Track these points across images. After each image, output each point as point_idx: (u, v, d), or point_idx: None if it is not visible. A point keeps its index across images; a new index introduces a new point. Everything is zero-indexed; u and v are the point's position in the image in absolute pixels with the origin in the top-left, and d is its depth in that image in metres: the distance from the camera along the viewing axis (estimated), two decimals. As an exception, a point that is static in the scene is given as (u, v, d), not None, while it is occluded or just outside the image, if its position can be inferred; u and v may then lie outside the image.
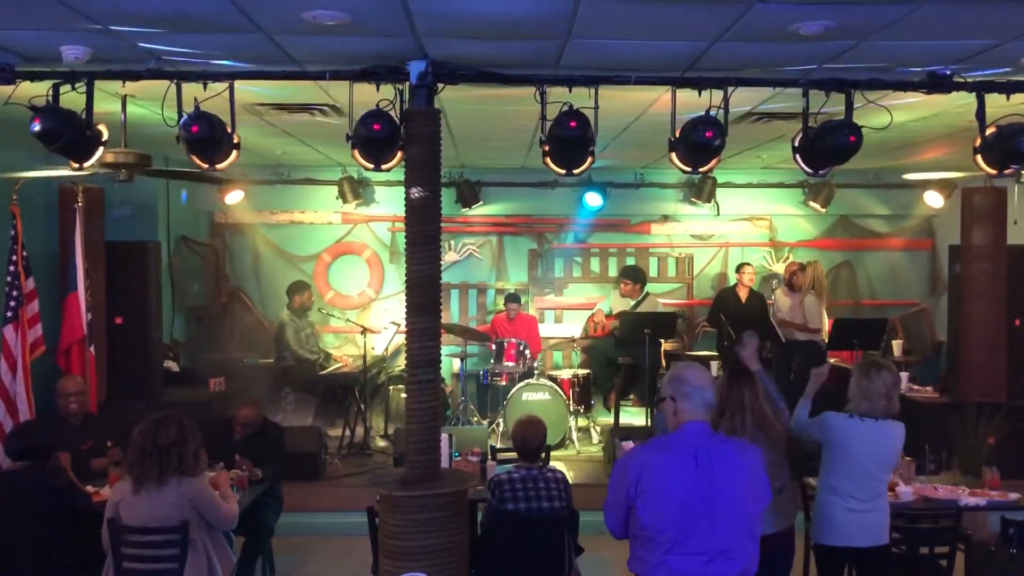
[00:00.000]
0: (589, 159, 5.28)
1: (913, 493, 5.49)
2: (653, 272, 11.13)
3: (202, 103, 5.02)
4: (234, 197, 10.21)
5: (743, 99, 5.83)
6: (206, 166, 5.17)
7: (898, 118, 6.30)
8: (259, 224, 10.94)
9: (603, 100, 5.14)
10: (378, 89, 5.18)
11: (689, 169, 5.27)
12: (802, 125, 5.29)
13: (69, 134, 4.94)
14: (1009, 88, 5.15)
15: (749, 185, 10.93)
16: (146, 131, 6.55)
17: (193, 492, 4.51)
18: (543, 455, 5.47)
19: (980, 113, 5.20)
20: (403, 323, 5.33)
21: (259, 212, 10.86)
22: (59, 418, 6.10)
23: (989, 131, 5.17)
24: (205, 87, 5.04)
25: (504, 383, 9.17)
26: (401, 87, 5.21)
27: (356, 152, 5.18)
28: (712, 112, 5.05)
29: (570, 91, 5.09)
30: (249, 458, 5.80)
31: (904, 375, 7.97)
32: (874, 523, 4.59)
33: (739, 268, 10.10)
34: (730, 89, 5.13)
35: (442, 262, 5.35)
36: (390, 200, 10.86)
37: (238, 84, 5.15)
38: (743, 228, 11.24)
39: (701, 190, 10.52)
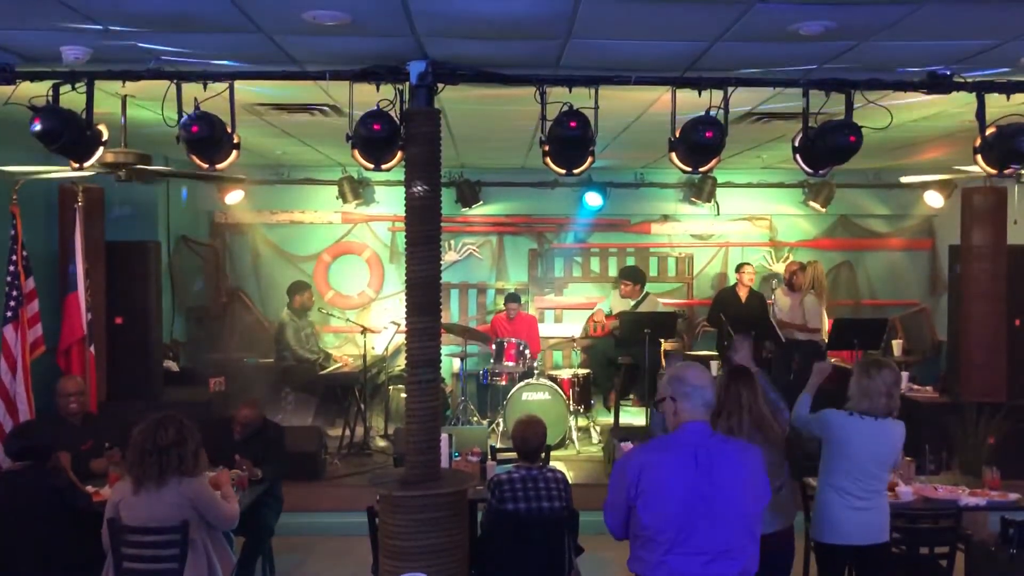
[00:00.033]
0: (589, 159, 5.28)
1: (913, 493, 5.48)
2: (653, 272, 11.13)
3: (202, 103, 5.02)
4: (234, 197, 10.22)
5: (743, 99, 5.83)
6: (206, 166, 5.17)
7: (898, 118, 6.30)
8: (259, 224, 10.94)
9: (603, 100, 5.14)
10: (378, 89, 5.18)
11: (689, 169, 5.27)
12: (802, 125, 5.29)
13: (69, 134, 4.94)
14: (1009, 88, 5.15)
15: (749, 185, 10.93)
16: (146, 131, 6.55)
17: (193, 492, 4.51)
18: (543, 455, 5.47)
19: (980, 113, 5.21)
20: (403, 323, 5.33)
21: (259, 212, 10.86)
22: (59, 418, 6.09)
23: (989, 131, 5.18)
24: (205, 87, 5.05)
25: (504, 383, 9.17)
26: (401, 87, 5.21)
27: (356, 152, 5.18)
28: (712, 112, 5.06)
29: (570, 91, 5.09)
30: (249, 458, 5.80)
31: (904, 375, 7.97)
32: (874, 521, 4.59)
33: (739, 268, 10.10)
34: (730, 89, 5.13)
35: (442, 262, 5.35)
36: (390, 200, 10.86)
37: (238, 84, 5.15)
38: (743, 228, 11.24)
39: (701, 190, 10.52)
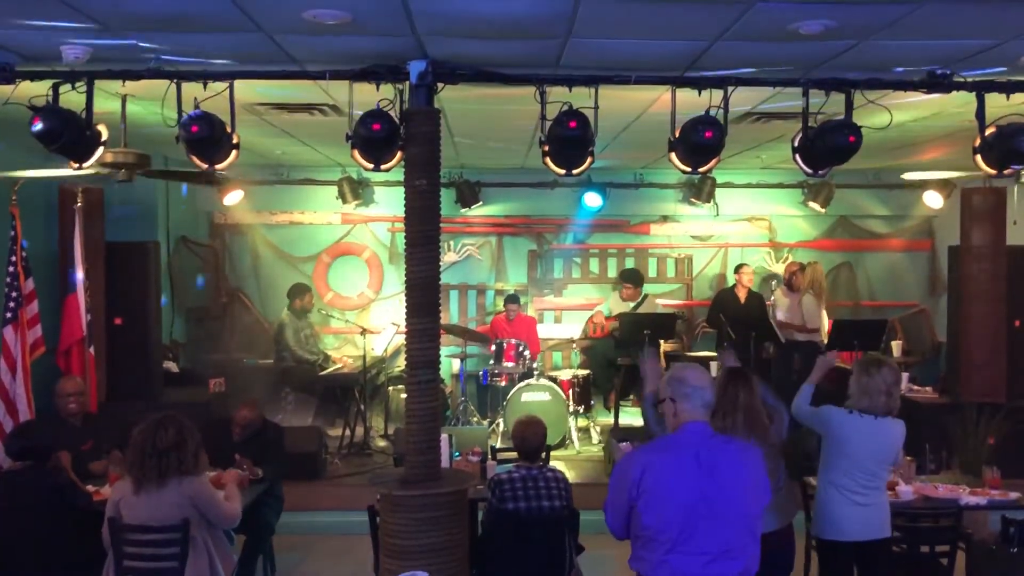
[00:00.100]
0: (589, 159, 5.28)
1: (913, 492, 5.49)
2: (652, 273, 11.14)
3: (202, 103, 5.02)
4: (234, 197, 10.20)
5: (743, 99, 5.83)
6: (206, 166, 5.17)
7: (898, 118, 6.30)
8: (259, 224, 10.94)
9: (603, 100, 5.14)
10: (378, 89, 5.18)
11: (689, 169, 5.27)
12: (802, 125, 5.30)
13: (69, 134, 4.94)
14: (1009, 88, 5.16)
15: (748, 185, 10.93)
16: (146, 131, 6.55)
17: (194, 491, 4.51)
18: (543, 455, 5.47)
19: (980, 113, 5.21)
20: (403, 324, 5.33)
21: (259, 212, 10.85)
22: (59, 418, 6.09)
23: (989, 131, 5.18)
24: (205, 87, 5.05)
25: (504, 383, 9.17)
26: (401, 87, 5.22)
27: (356, 152, 5.18)
28: (712, 112, 5.06)
29: (570, 91, 5.10)
30: (249, 458, 5.80)
31: (904, 375, 7.98)
32: (875, 517, 4.59)
33: (738, 269, 10.10)
34: (730, 89, 5.13)
35: (441, 263, 5.35)
36: (390, 200, 10.85)
37: (238, 84, 5.15)
38: (743, 228, 11.24)
39: (700, 190, 10.52)
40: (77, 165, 5.22)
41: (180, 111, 5.00)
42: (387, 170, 5.34)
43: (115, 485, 4.79)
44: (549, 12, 4.30)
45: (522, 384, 8.96)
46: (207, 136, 4.96)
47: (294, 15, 4.36)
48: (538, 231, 11.21)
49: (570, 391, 9.24)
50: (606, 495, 3.49)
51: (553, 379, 9.37)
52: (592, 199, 10.48)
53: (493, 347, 9.51)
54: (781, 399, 4.74)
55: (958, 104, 6.07)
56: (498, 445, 7.65)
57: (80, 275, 7.22)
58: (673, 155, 5.24)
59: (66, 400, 6.08)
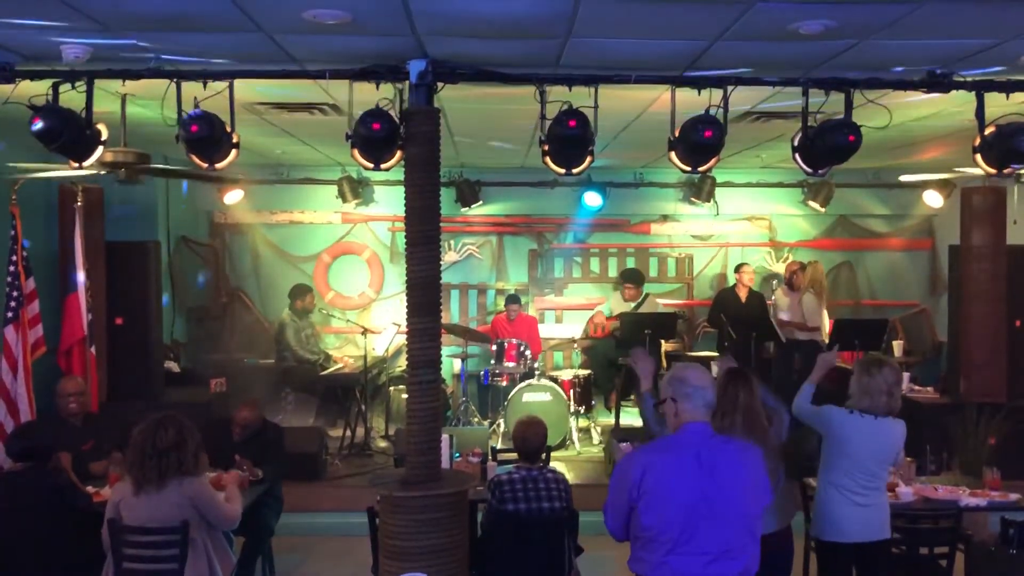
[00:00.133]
0: (588, 158, 5.28)
1: (913, 493, 5.48)
2: (653, 272, 11.14)
3: (202, 102, 5.03)
4: (233, 197, 10.21)
5: (743, 98, 5.83)
6: (205, 165, 5.17)
7: (898, 118, 6.30)
8: (259, 224, 10.94)
9: (603, 99, 5.14)
10: (378, 88, 5.18)
11: (689, 168, 5.28)
12: (802, 124, 5.29)
13: (69, 133, 4.94)
14: (1009, 88, 5.15)
15: (748, 185, 10.93)
16: (146, 130, 6.55)
17: (194, 491, 4.51)
18: (544, 456, 5.46)
19: (980, 112, 5.21)
20: (403, 324, 5.32)
21: (259, 212, 10.86)
22: (60, 419, 6.09)
23: (988, 130, 5.17)
24: (205, 86, 5.05)
25: (505, 384, 9.16)
26: (401, 86, 5.22)
27: (356, 151, 5.18)
28: (712, 111, 5.05)
29: (570, 90, 5.09)
30: (248, 459, 5.79)
31: (905, 375, 7.97)
32: (875, 518, 4.59)
33: (738, 268, 10.10)
34: (730, 88, 5.13)
35: (442, 262, 5.35)
36: (390, 200, 10.85)
37: (238, 83, 5.15)
38: (743, 228, 11.24)
39: (700, 190, 10.52)
40: (77, 164, 5.22)
41: (180, 111, 5.00)
42: (387, 169, 5.34)
43: (115, 486, 4.78)
44: (549, 12, 4.30)
45: (523, 384, 8.95)
46: (207, 135, 4.96)
47: (294, 15, 4.36)
48: (538, 230, 11.21)
49: (571, 391, 9.23)
50: (606, 497, 3.49)
51: (554, 379, 9.36)
52: (592, 198, 10.48)
53: (494, 347, 9.51)
54: (782, 399, 4.73)
55: (958, 104, 6.06)
56: (499, 446, 7.65)
57: (81, 275, 7.22)
58: (673, 154, 5.24)
59: (66, 400, 6.08)
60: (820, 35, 4.58)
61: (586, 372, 9.71)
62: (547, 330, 10.96)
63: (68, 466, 5.27)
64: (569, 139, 5.07)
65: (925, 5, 4.12)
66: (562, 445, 8.93)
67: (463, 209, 10.66)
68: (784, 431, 4.61)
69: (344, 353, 10.41)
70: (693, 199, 10.73)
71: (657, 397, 4.25)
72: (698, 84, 5.12)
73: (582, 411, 9.41)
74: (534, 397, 8.84)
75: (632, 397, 9.97)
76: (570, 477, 5.82)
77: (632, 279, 10.19)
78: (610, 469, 7.79)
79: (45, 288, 7.19)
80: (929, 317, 11.03)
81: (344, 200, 10.51)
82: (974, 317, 7.99)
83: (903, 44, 4.81)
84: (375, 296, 11.08)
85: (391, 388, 9.53)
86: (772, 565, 3.86)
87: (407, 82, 5.15)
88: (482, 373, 9.56)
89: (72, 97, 5.05)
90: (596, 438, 9.38)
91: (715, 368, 5.14)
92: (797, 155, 5.35)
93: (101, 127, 5.17)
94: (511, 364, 9.28)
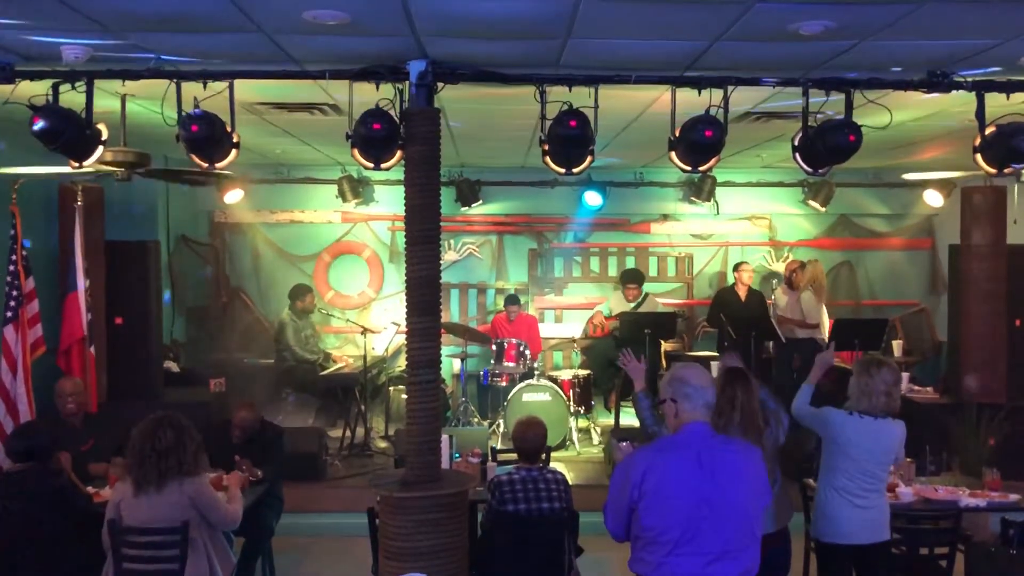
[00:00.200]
0: (588, 158, 5.28)
1: (913, 494, 5.48)
2: (653, 272, 11.14)
3: (202, 102, 5.02)
4: (234, 197, 10.21)
5: (743, 98, 5.83)
6: (206, 165, 5.17)
7: (898, 118, 6.29)
8: (259, 224, 10.94)
9: (603, 99, 5.14)
10: (378, 88, 5.18)
11: (689, 168, 5.27)
12: (802, 124, 5.29)
13: (69, 133, 4.94)
14: (1009, 88, 5.15)
15: (749, 184, 10.94)
16: (146, 130, 6.55)
17: (194, 491, 4.51)
18: (543, 456, 5.46)
19: (980, 112, 5.20)
20: (403, 323, 5.32)
21: (259, 212, 10.86)
22: (59, 419, 6.09)
23: (989, 130, 5.17)
24: (205, 86, 5.04)
25: (504, 384, 9.16)
26: (401, 86, 5.21)
27: (356, 151, 5.18)
28: (712, 111, 5.05)
29: (570, 90, 5.09)
30: (248, 459, 5.79)
31: (904, 375, 7.97)
32: (874, 520, 4.59)
33: (737, 267, 10.08)
34: (730, 88, 5.13)
35: (442, 262, 5.35)
36: (390, 199, 10.86)
37: (238, 83, 5.15)
38: (743, 227, 11.24)
39: (701, 189, 10.52)
40: (77, 164, 5.22)
41: (180, 110, 5.00)
42: (387, 169, 5.34)
43: (115, 486, 4.78)
44: (549, 12, 4.30)
45: (523, 384, 8.94)
46: (207, 135, 4.96)
47: (294, 15, 4.36)
48: (538, 230, 11.21)
49: (571, 391, 9.23)
50: (606, 497, 3.49)
51: (554, 379, 9.36)
52: (592, 198, 10.48)
53: (494, 347, 9.50)
54: (781, 398, 4.73)
55: (958, 104, 6.06)
56: (498, 446, 7.64)
57: (80, 274, 7.22)
58: (673, 154, 5.24)
59: (65, 400, 6.08)
60: (820, 35, 4.58)
61: (586, 372, 9.70)
62: (547, 330, 10.97)
63: (68, 466, 5.27)
64: (569, 139, 5.07)
65: (925, 5, 4.11)
66: (562, 445, 8.93)
67: (463, 208, 10.67)
68: (782, 434, 4.60)
69: (344, 353, 10.41)
70: (693, 198, 10.74)
71: (651, 397, 4.27)
72: (698, 84, 5.12)
73: (582, 411, 9.41)
74: (534, 397, 8.84)
75: (631, 397, 9.96)
76: (570, 477, 5.82)
77: (634, 279, 10.19)
78: (610, 469, 7.79)
79: (45, 288, 7.18)
80: (929, 317, 11.03)
81: (344, 200, 10.52)
82: (974, 317, 7.99)
83: (903, 44, 4.81)
84: (375, 296, 11.08)
85: (391, 388, 9.54)
86: (770, 566, 3.87)
87: (407, 82, 5.15)
88: (482, 373, 9.57)
89: (72, 97, 5.04)
90: (596, 438, 9.38)
91: (720, 365, 5.12)
92: (797, 155, 5.35)
93: (101, 127, 5.17)
94: (511, 364, 9.28)
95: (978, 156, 5.24)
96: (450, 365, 9.97)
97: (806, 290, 9.52)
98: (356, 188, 10.49)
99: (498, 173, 10.75)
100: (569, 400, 9.07)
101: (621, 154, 9.21)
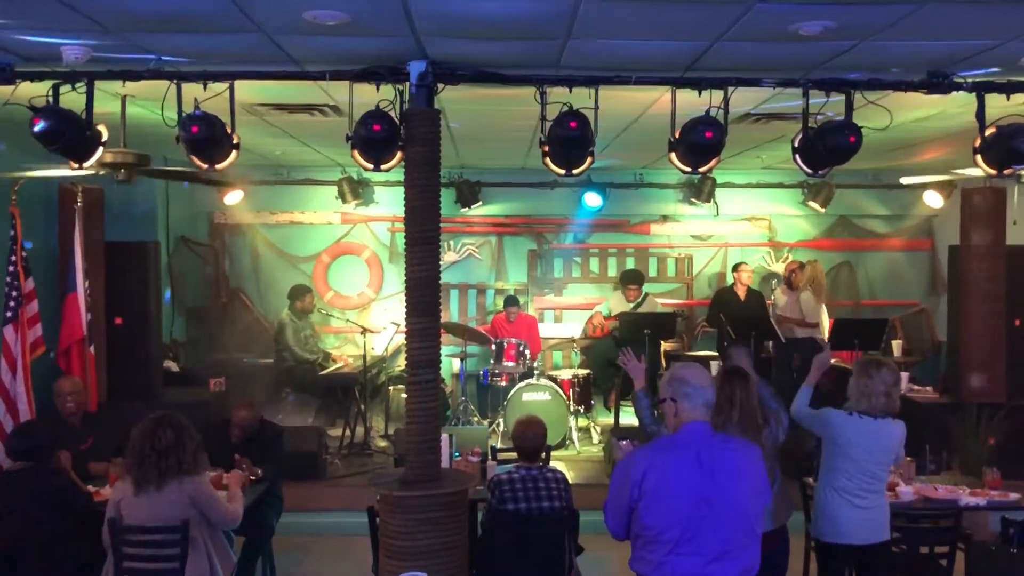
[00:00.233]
0: (588, 159, 5.28)
1: (914, 493, 5.49)
2: (652, 272, 11.15)
3: (202, 103, 5.03)
4: (233, 197, 10.21)
5: (743, 99, 5.83)
6: (206, 166, 5.17)
7: (898, 118, 6.30)
8: (258, 224, 10.95)
9: (603, 100, 5.14)
10: (378, 89, 5.18)
11: (689, 169, 5.28)
12: (802, 125, 5.30)
13: (69, 134, 4.94)
14: (1009, 88, 5.15)
15: (749, 185, 10.94)
16: (146, 131, 6.55)
17: (194, 490, 4.51)
18: (543, 455, 5.46)
19: (980, 113, 5.21)
20: (403, 323, 5.33)
21: (258, 212, 10.87)
22: (59, 418, 6.09)
23: (989, 131, 5.18)
24: (205, 87, 5.05)
25: (504, 383, 9.16)
26: (401, 87, 5.22)
27: (356, 152, 5.18)
28: (712, 112, 5.06)
29: (570, 91, 5.10)
30: (248, 459, 5.79)
31: (904, 375, 7.97)
32: (875, 520, 4.59)
33: (736, 267, 10.10)
34: (730, 89, 5.13)
35: (441, 262, 5.35)
36: (390, 200, 10.87)
37: (238, 84, 5.15)
38: (743, 228, 11.25)
39: (701, 190, 10.53)
40: (77, 165, 5.22)
41: (180, 111, 5.01)
42: (387, 170, 5.34)
43: (115, 485, 4.79)
44: (549, 12, 4.30)
45: (522, 384, 8.95)
46: (207, 136, 4.97)
47: (294, 16, 4.36)
48: (538, 231, 11.22)
49: (570, 391, 9.23)
50: (606, 496, 3.50)
51: (553, 379, 9.37)
52: (592, 199, 10.49)
53: (493, 346, 9.51)
54: (781, 398, 4.74)
55: (958, 104, 6.07)
56: (498, 445, 7.65)
57: (80, 275, 7.22)
58: (673, 155, 5.24)
59: (64, 399, 6.09)
60: (820, 36, 4.58)
61: (585, 372, 9.71)
62: (546, 330, 10.98)
63: (68, 465, 5.27)
64: (569, 140, 5.07)
65: (926, 6, 4.12)
66: (562, 445, 8.94)
67: (463, 209, 10.68)
68: (782, 433, 4.61)
69: (343, 353, 10.41)
70: (693, 199, 10.75)
71: (650, 396, 4.28)
72: (698, 85, 5.12)
73: (581, 411, 9.42)
74: (533, 397, 8.84)
75: (631, 397, 9.96)
76: (570, 476, 5.82)
77: (634, 279, 10.19)
78: (610, 468, 7.79)
79: (45, 288, 7.19)
80: (929, 317, 11.04)
81: (344, 200, 10.52)
82: (974, 317, 7.99)
83: (903, 45, 4.81)
84: (374, 296, 11.09)
85: (390, 388, 9.54)
86: (770, 564, 3.87)
87: (407, 83, 5.16)
88: (481, 373, 9.57)
89: (72, 98, 5.04)
90: (596, 437, 9.39)
91: (725, 359, 5.13)
92: (797, 156, 5.35)
93: (101, 128, 5.18)
94: (510, 364, 9.28)
95: (978, 157, 5.25)
96: (450, 365, 9.98)
97: (805, 290, 9.53)
98: (356, 189, 10.49)
99: (498, 174, 10.76)
100: (569, 399, 9.08)
101: (621, 155, 9.21)
